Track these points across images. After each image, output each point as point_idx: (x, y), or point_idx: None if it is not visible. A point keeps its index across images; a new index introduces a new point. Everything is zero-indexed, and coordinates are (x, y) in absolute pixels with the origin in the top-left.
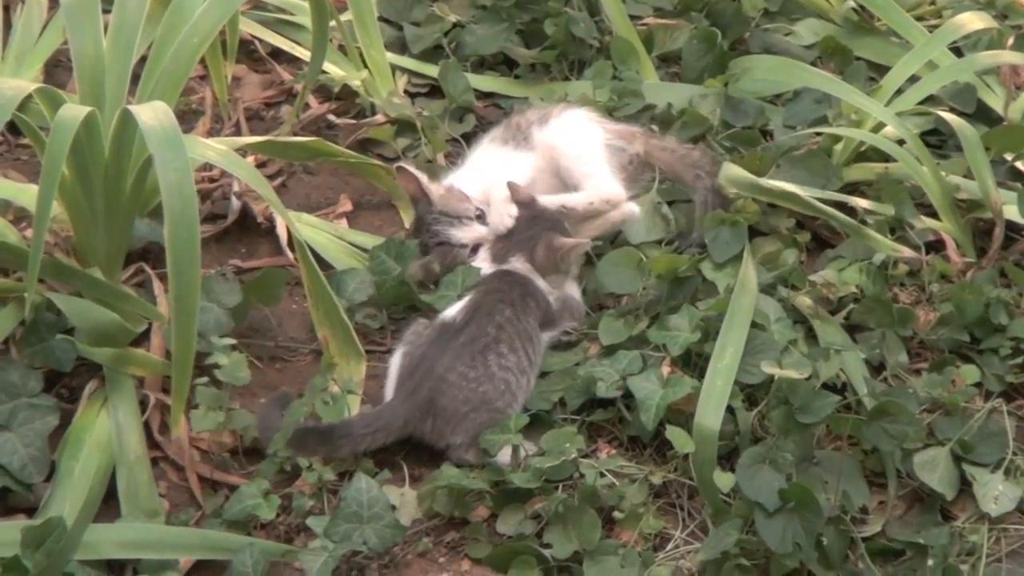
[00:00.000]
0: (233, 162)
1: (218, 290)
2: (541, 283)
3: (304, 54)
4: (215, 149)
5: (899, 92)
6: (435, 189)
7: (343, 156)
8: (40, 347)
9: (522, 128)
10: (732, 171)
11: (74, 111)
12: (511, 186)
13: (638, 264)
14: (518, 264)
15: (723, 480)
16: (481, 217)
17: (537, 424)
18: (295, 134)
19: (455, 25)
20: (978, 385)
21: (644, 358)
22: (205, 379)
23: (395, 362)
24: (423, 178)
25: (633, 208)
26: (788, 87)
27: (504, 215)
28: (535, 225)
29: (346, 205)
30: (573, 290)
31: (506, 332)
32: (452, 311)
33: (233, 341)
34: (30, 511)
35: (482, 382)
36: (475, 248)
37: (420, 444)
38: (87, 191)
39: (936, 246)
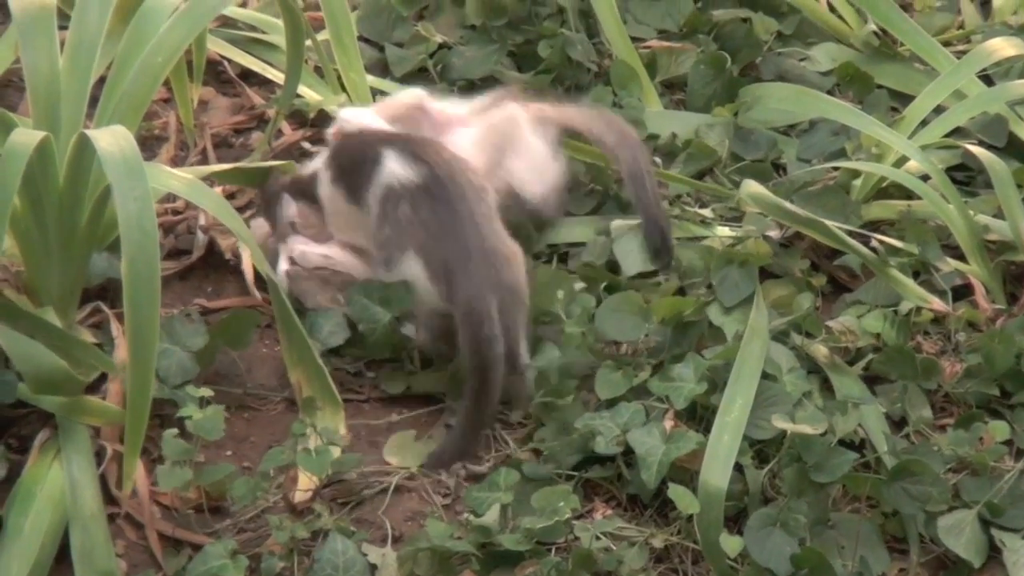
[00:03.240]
0: (199, 193)
1: (181, 332)
2: None
3: (277, 76)
4: (180, 178)
5: (924, 123)
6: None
7: None
8: None
9: None
10: (753, 189)
11: (26, 136)
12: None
13: (640, 308)
14: None
15: (730, 544)
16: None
17: (528, 481)
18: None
19: (441, 46)
20: (1008, 443)
21: (646, 410)
22: (174, 430)
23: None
24: None
25: None
26: (803, 117)
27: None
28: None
29: None
30: None
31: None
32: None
33: (210, 393)
34: None
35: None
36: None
37: (402, 497)
38: (40, 223)
39: (963, 291)
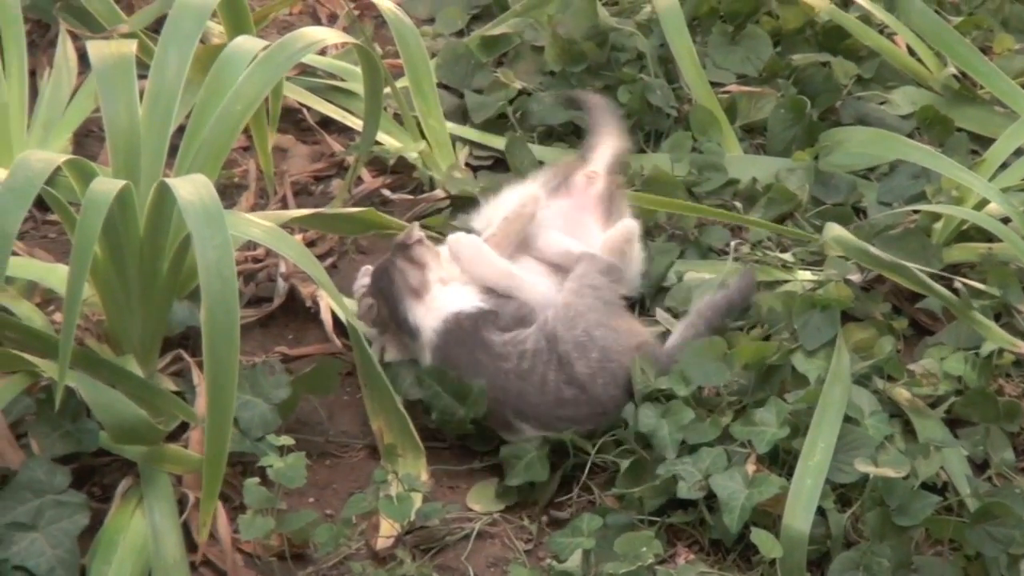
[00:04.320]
0: (279, 240)
1: (265, 384)
2: None
3: (356, 123)
4: (260, 226)
5: (1004, 166)
6: None
7: (397, 227)
8: (60, 433)
9: None
10: (836, 232)
11: (107, 185)
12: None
13: (723, 354)
14: None
15: None
16: None
17: (611, 526)
18: None
19: (521, 92)
20: None
21: (728, 455)
22: (256, 479)
23: None
24: None
25: None
26: (883, 160)
27: None
28: None
29: None
30: None
31: None
32: None
33: (291, 441)
34: None
35: None
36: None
37: (485, 543)
38: (120, 272)
39: None
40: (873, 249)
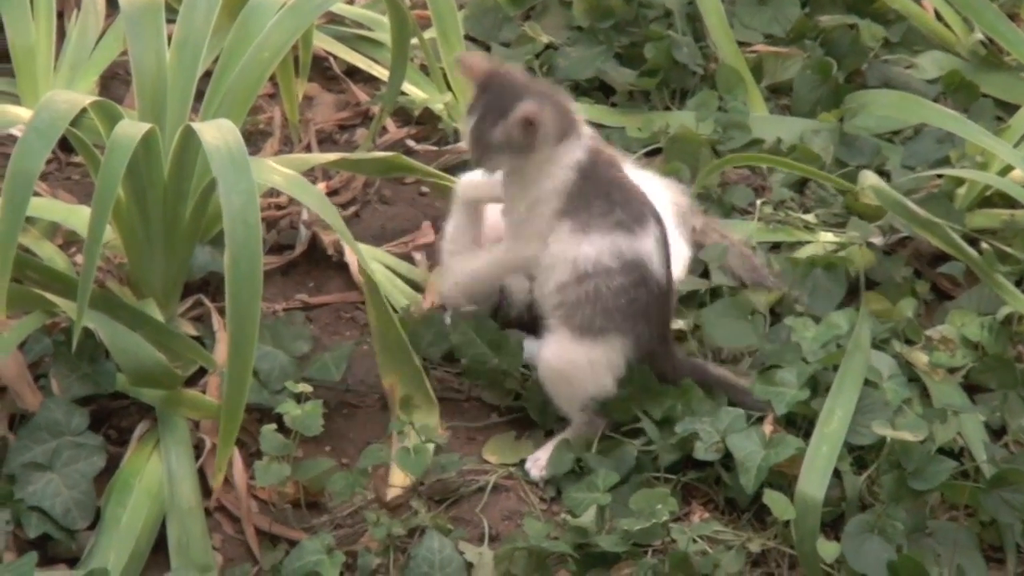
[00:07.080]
0: (300, 188)
1: (285, 334)
2: None
3: (383, 73)
4: (282, 173)
5: None
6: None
7: (422, 172)
8: (78, 375)
9: None
10: (873, 180)
11: (132, 128)
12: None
13: (747, 314)
14: None
15: (827, 550)
16: None
17: (627, 482)
18: None
19: (548, 47)
20: None
21: (747, 415)
22: (273, 426)
23: None
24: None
25: None
26: (908, 124)
27: None
28: None
29: (428, 235)
30: None
31: None
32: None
33: (309, 388)
34: (72, 561)
35: None
36: None
37: (500, 496)
38: (144, 215)
39: None
40: (909, 203)
